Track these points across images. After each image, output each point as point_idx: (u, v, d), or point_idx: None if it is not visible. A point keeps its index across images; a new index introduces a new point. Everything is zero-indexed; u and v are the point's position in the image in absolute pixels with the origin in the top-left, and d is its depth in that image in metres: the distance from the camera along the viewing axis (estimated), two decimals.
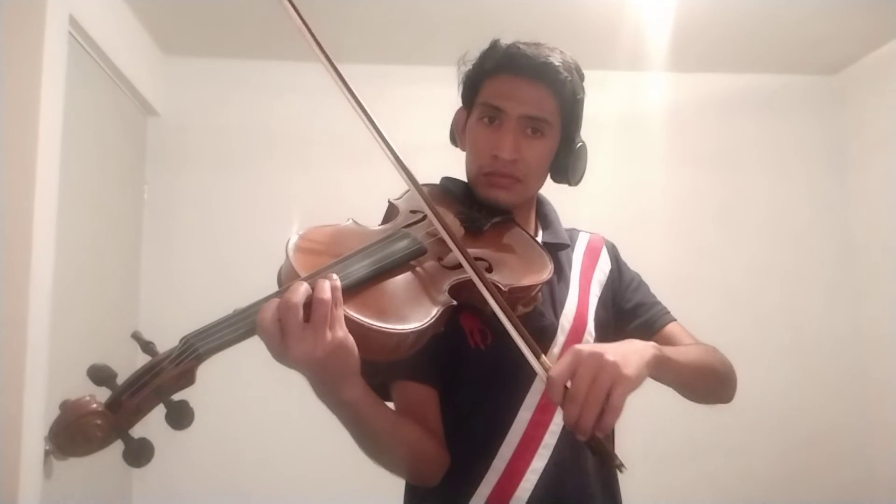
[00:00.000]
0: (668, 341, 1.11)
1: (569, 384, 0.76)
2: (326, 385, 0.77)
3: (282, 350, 0.70)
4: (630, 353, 0.81)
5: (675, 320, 1.17)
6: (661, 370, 0.88)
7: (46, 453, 1.63)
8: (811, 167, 2.81)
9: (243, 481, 2.41)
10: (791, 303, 2.72)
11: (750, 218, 2.76)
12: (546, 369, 0.78)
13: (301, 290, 0.71)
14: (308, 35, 0.91)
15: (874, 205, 2.66)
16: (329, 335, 0.70)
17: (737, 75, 2.78)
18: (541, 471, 0.98)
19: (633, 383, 0.77)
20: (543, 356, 0.79)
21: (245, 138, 2.60)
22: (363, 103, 0.93)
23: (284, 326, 0.69)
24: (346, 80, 0.93)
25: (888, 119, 2.58)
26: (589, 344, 0.82)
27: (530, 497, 0.97)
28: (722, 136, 2.79)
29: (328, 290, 0.71)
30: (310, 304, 0.70)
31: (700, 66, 2.72)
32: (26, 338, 1.53)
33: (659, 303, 1.19)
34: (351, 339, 0.73)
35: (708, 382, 1.04)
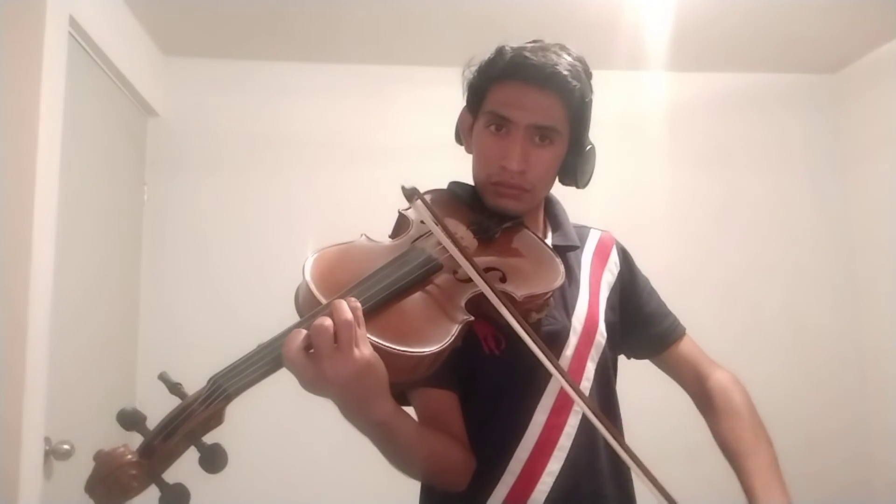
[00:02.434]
0: (681, 357, 1.16)
1: None
2: (359, 405, 0.77)
3: (314, 375, 0.71)
4: None
5: (685, 331, 1.20)
6: None
7: (46, 454, 1.63)
8: (811, 166, 2.81)
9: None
10: (791, 302, 2.72)
11: (749, 217, 2.76)
12: None
13: (328, 317, 0.71)
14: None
15: (874, 204, 2.66)
16: (357, 353, 0.71)
17: (736, 74, 2.78)
18: (557, 473, 0.98)
19: None
20: None
21: (245, 139, 2.59)
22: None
23: (318, 349, 0.70)
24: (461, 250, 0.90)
25: (888, 118, 2.58)
26: None
27: (546, 499, 0.97)
28: (721, 136, 2.78)
29: (349, 311, 0.72)
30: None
31: (699, 66, 2.72)
32: (26, 339, 1.54)
33: (671, 313, 1.21)
34: (377, 355, 0.73)
35: None
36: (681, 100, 2.76)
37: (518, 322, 0.83)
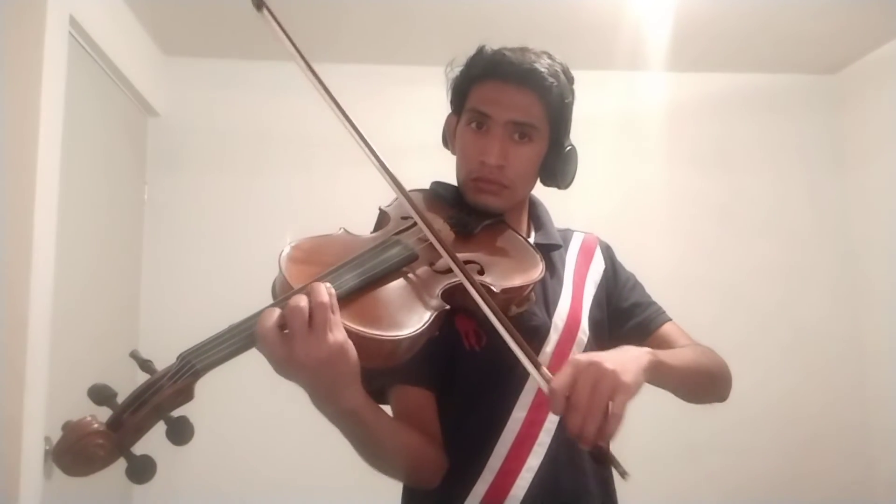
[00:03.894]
0: (664, 341, 1.13)
1: (570, 395, 0.77)
2: (328, 392, 0.77)
3: (285, 355, 0.71)
4: (627, 360, 0.83)
5: (671, 320, 1.18)
6: (657, 374, 0.90)
7: (46, 453, 1.63)
8: (811, 167, 2.81)
9: (244, 491, 2.40)
10: (791, 302, 2.72)
11: (749, 218, 2.76)
12: (547, 381, 0.79)
13: (304, 297, 0.72)
14: (288, 44, 0.93)
15: (874, 204, 2.66)
16: (330, 337, 0.71)
17: (736, 75, 2.78)
18: (536, 468, 0.99)
19: (633, 389, 0.79)
20: (544, 367, 0.80)
21: (246, 139, 2.60)
22: (347, 113, 0.93)
23: (291, 329, 0.70)
24: (329, 89, 0.94)
25: (888, 119, 2.58)
26: (587, 353, 0.83)
27: (526, 495, 0.98)
28: (721, 136, 2.79)
29: (325, 294, 0.72)
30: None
31: (699, 66, 2.72)
32: (27, 337, 1.54)
33: (654, 303, 1.21)
34: (349, 342, 0.74)
35: (702, 383, 1.06)
36: (681, 100, 2.76)
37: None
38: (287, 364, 0.72)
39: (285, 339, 0.71)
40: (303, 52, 0.93)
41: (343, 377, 0.75)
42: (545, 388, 0.79)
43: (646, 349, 0.89)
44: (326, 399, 0.78)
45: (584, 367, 0.78)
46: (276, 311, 0.71)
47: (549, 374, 0.80)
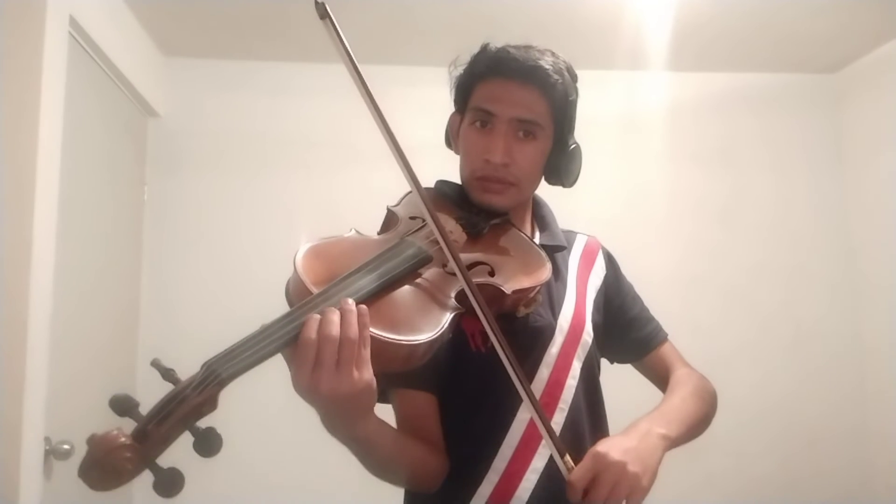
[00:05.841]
0: (660, 362, 1.17)
1: (588, 489, 0.82)
2: (341, 421, 0.78)
3: (311, 381, 0.71)
4: (647, 456, 0.86)
5: (667, 337, 1.21)
6: (671, 449, 0.94)
7: (46, 453, 1.63)
8: (811, 166, 2.81)
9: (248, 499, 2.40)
10: (791, 302, 2.72)
11: (750, 217, 2.76)
12: (568, 469, 0.83)
13: (335, 321, 0.71)
14: (335, 35, 0.93)
15: (874, 204, 2.66)
16: (356, 375, 0.71)
17: (736, 74, 2.78)
18: (541, 470, 0.99)
19: (648, 490, 0.84)
20: (567, 456, 0.84)
21: (246, 140, 2.60)
22: (381, 108, 0.94)
23: (320, 360, 0.70)
24: (367, 81, 0.95)
25: (888, 118, 2.58)
26: (610, 445, 0.85)
27: (531, 496, 0.98)
28: (722, 136, 2.79)
29: (356, 328, 0.71)
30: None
31: (700, 66, 2.72)
32: (26, 337, 1.54)
33: (653, 318, 1.23)
34: (373, 379, 0.73)
35: (700, 430, 1.10)
36: (681, 100, 2.76)
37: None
38: (309, 392, 0.71)
39: (313, 368, 0.70)
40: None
41: (360, 410, 0.76)
42: (565, 474, 0.83)
43: (661, 432, 0.92)
44: (339, 426, 0.79)
45: (605, 466, 0.81)
46: (318, 319, 0.71)
47: (571, 462, 0.84)
